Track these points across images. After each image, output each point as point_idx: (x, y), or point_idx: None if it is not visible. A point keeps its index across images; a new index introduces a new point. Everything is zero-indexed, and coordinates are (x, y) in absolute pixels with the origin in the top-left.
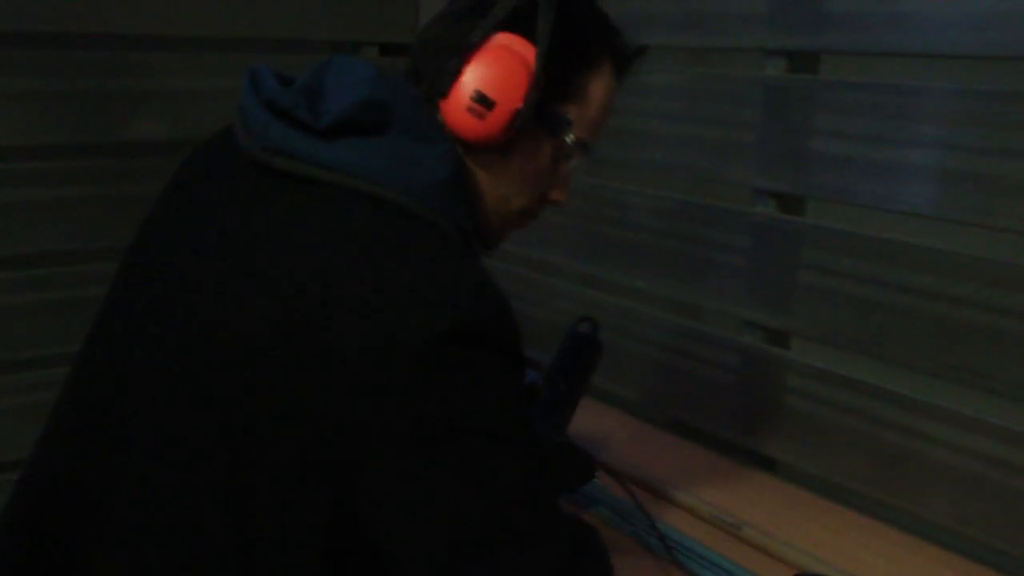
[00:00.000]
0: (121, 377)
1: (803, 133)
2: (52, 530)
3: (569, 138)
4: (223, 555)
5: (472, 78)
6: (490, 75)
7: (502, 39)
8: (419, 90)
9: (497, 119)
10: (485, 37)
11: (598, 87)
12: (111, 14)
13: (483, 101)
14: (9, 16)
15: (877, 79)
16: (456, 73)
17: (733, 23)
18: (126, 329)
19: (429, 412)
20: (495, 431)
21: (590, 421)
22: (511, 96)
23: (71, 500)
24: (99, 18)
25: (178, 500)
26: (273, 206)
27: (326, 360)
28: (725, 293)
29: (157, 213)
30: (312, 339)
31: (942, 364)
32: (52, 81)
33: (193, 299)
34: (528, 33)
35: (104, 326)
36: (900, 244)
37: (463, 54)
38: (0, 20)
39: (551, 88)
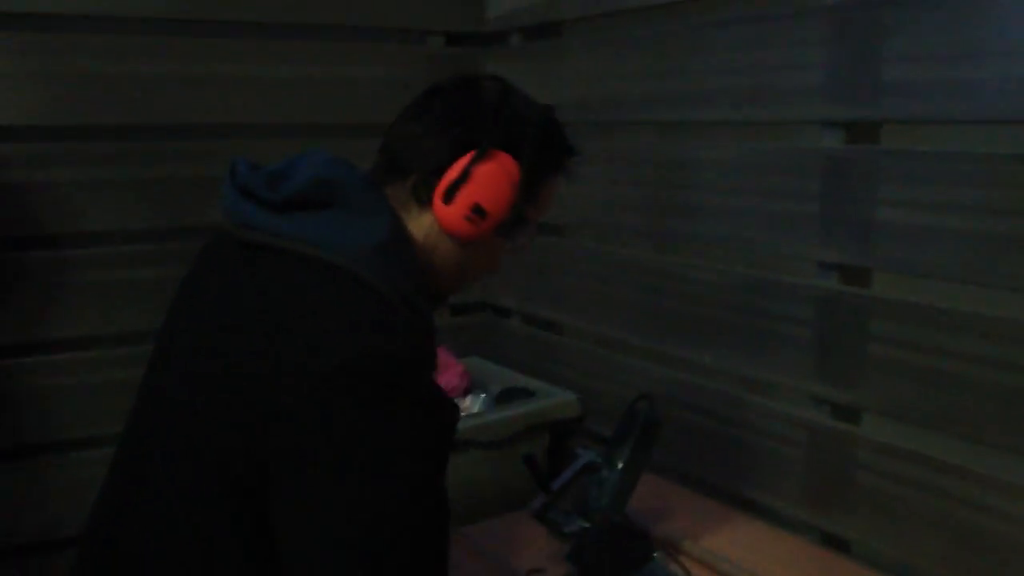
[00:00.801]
0: (140, 433)
1: (865, 203)
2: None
3: (515, 241)
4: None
5: (472, 192)
6: (487, 191)
7: (498, 158)
8: (374, 173)
9: (488, 225)
10: (483, 157)
11: (553, 187)
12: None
13: (479, 212)
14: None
15: (939, 147)
16: (456, 188)
17: (790, 95)
18: (147, 395)
19: (315, 436)
20: (363, 464)
21: (654, 497)
22: (500, 208)
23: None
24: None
25: (182, 522)
26: (241, 270)
27: (255, 382)
28: (791, 368)
29: (178, 293)
30: (249, 367)
31: (1014, 437)
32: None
33: (180, 358)
34: (514, 149)
35: (138, 397)
36: (968, 314)
37: (463, 171)
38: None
39: (523, 195)
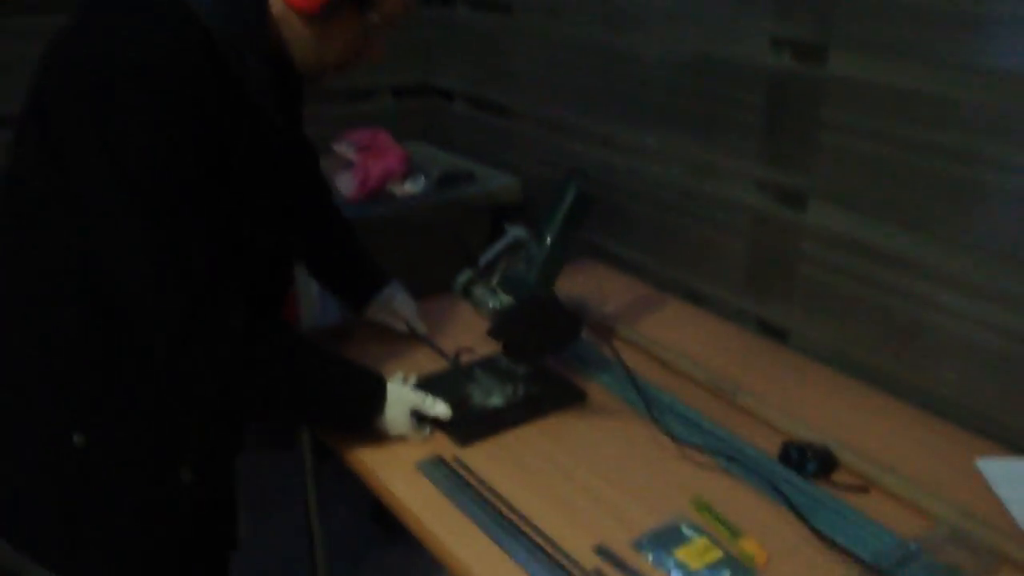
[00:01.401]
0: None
1: None
2: None
3: (375, 17)
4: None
5: None
6: None
7: None
8: None
9: None
10: None
11: None
12: None
13: None
14: None
15: None
16: None
17: None
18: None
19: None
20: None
21: (590, 282)
22: None
23: None
24: None
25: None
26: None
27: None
28: (738, 151)
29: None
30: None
31: (960, 229)
32: None
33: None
34: None
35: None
36: (928, 97)
37: None
38: None
39: None
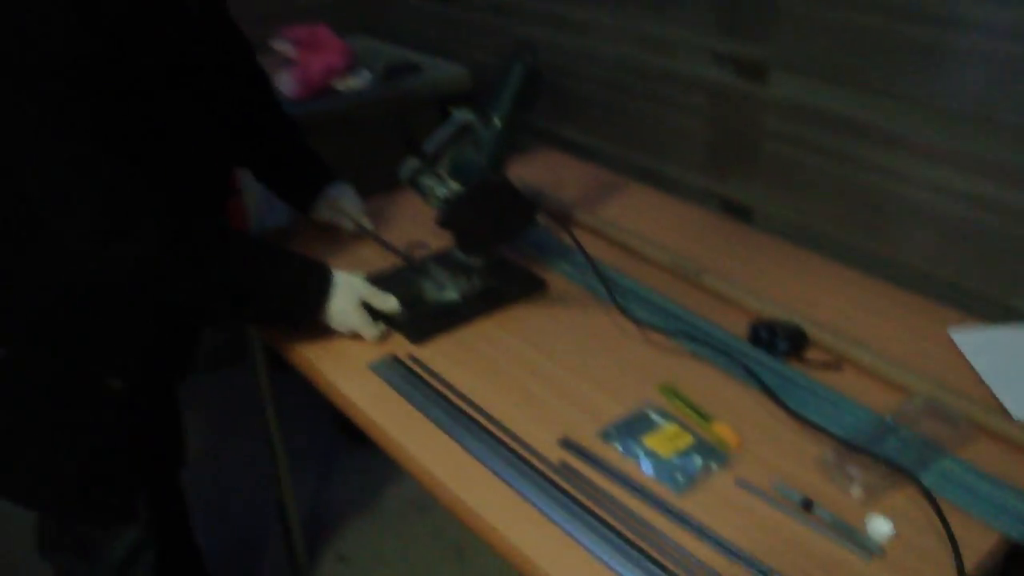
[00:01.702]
0: None
1: None
2: None
3: None
4: None
5: None
6: None
7: None
8: None
9: None
10: None
11: None
12: None
13: None
14: None
15: None
16: None
17: None
18: None
19: None
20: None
21: (545, 169)
22: None
23: None
24: None
25: None
26: None
27: None
28: (694, 24)
29: None
30: None
31: (924, 92)
32: None
33: None
34: None
35: None
36: None
37: None
38: None
39: None
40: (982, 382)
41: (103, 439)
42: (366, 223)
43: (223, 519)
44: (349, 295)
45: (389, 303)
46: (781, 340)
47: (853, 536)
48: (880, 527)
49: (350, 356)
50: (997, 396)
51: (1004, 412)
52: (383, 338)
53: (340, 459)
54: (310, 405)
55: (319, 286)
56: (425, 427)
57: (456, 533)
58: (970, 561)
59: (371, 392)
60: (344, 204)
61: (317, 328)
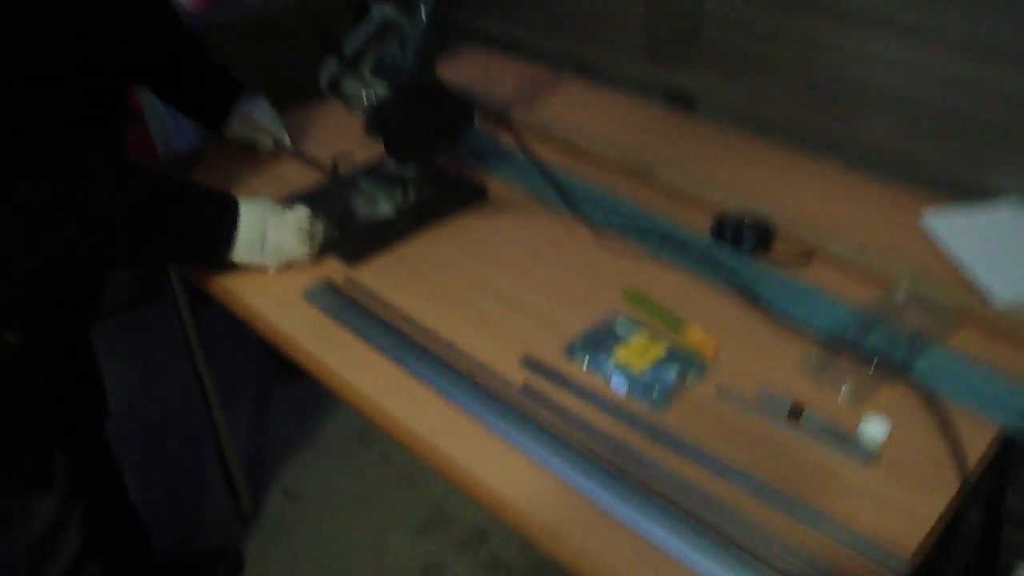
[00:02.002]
0: None
1: None
2: None
3: None
4: None
5: None
6: None
7: None
8: None
9: None
10: None
11: None
12: None
13: None
14: None
15: None
16: None
17: None
18: None
19: None
20: None
21: (477, 69)
22: None
23: None
24: None
25: None
26: None
27: None
28: None
29: None
30: None
31: None
32: None
33: None
34: None
35: None
36: None
37: None
38: None
39: None
40: (961, 266)
41: (2, 400)
42: (285, 138)
43: (159, 470)
44: (255, 225)
45: (295, 214)
46: (747, 235)
47: (847, 441)
48: (874, 430)
49: (279, 285)
50: (979, 279)
51: (988, 296)
52: (311, 261)
53: (277, 394)
54: (239, 339)
55: (223, 218)
56: (368, 355)
57: (406, 461)
58: (971, 457)
59: (306, 322)
60: (260, 118)
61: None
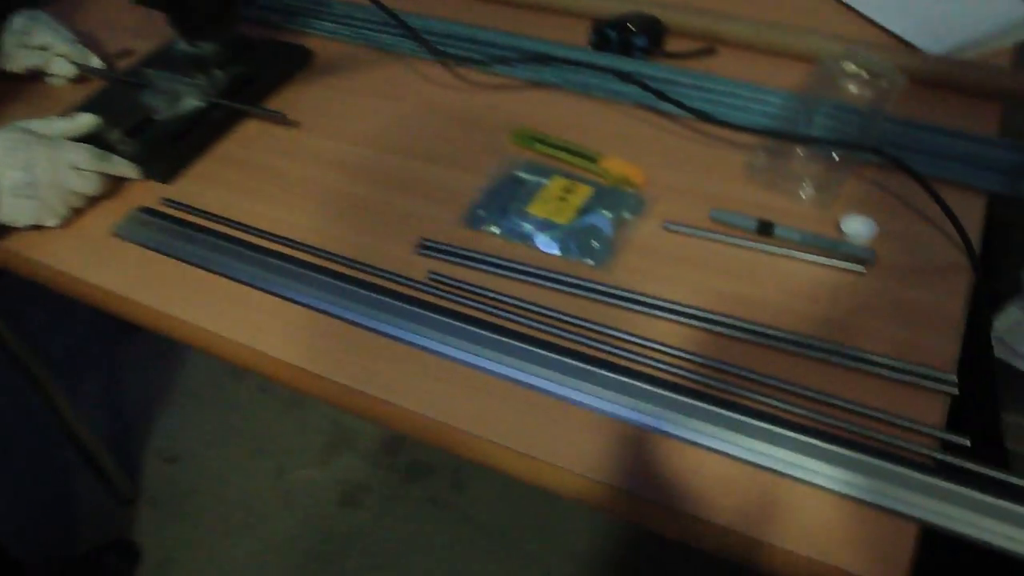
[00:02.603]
0: None
1: None
2: None
3: None
4: None
5: None
6: None
7: None
8: None
9: None
10: None
11: None
12: None
13: None
14: None
15: None
16: None
17: None
18: None
19: None
20: None
21: None
22: None
23: None
24: None
25: None
26: None
27: None
28: None
29: None
30: None
31: None
32: None
33: None
34: None
35: None
36: None
37: None
38: None
39: None
40: (878, 25)
41: None
42: (90, 59)
43: (8, 481)
44: (14, 160)
45: (60, 125)
46: (636, 36)
47: (835, 249)
48: (859, 228)
49: (77, 229)
50: (902, 36)
51: (917, 50)
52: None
53: (121, 350)
54: (51, 300)
55: None
56: (216, 286)
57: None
58: (971, 232)
59: (125, 266)
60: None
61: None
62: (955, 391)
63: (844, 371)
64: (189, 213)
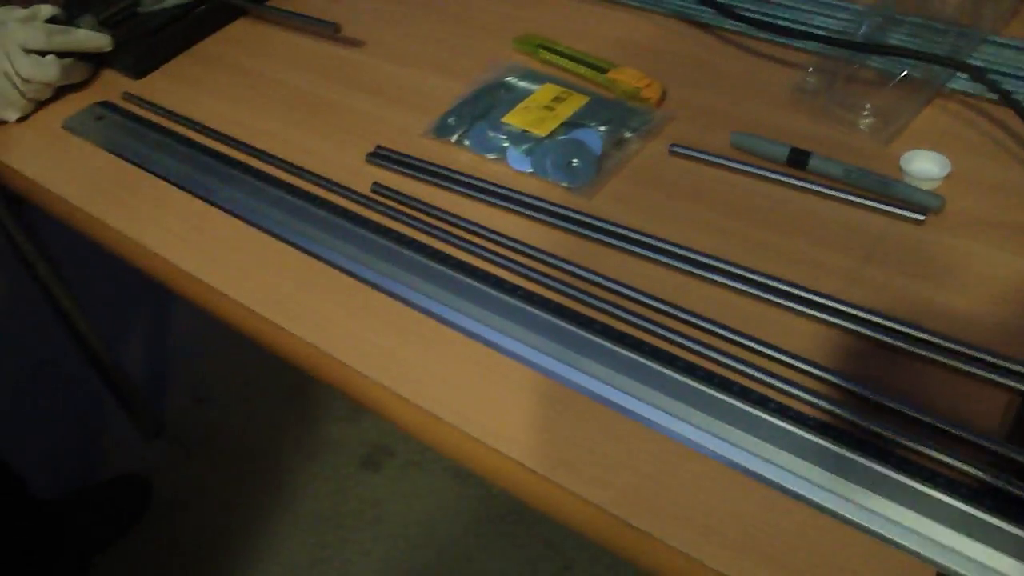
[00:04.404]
0: None
1: None
2: None
3: None
4: None
5: None
6: None
7: None
8: None
9: None
10: None
11: None
12: None
13: None
14: None
15: None
16: None
17: None
18: None
19: None
20: None
21: None
22: None
23: None
24: None
25: None
26: None
27: None
28: None
29: None
30: None
31: None
32: None
33: None
34: None
35: None
36: None
37: None
38: None
39: None
40: None
41: None
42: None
43: (43, 408)
44: None
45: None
46: None
47: (888, 189)
48: (927, 166)
49: (35, 122)
50: None
51: None
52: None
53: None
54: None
55: None
56: (151, 190)
57: None
58: None
59: (72, 164)
60: None
61: None
62: (1022, 387)
63: (870, 345)
64: (148, 110)
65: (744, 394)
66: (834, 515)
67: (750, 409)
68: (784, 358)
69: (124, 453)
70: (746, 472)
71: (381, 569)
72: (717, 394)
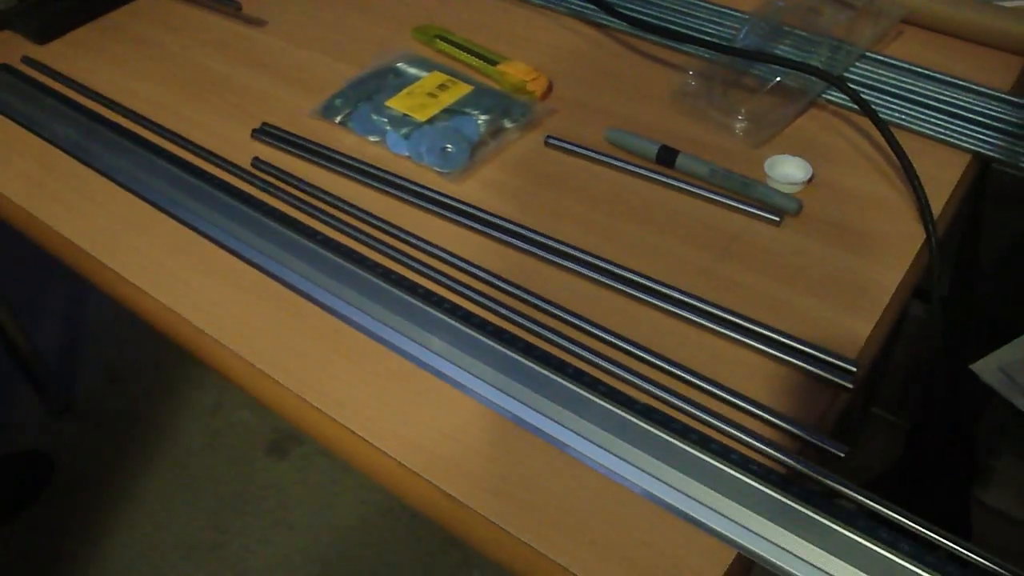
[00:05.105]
0: None
1: None
2: None
3: None
4: None
5: None
6: None
7: None
8: None
9: None
10: None
11: None
12: None
13: None
14: None
15: None
16: None
17: None
18: None
19: None
20: None
21: None
22: None
23: None
24: None
25: None
26: None
27: None
28: None
29: None
30: None
31: None
32: None
33: None
34: None
35: None
36: None
37: None
38: None
39: None
40: None
41: None
42: None
43: None
44: None
45: None
46: None
47: (749, 190)
48: (789, 171)
49: None
50: None
51: None
52: None
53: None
54: None
55: None
56: (62, 167)
57: None
58: (937, 197)
59: None
60: None
61: None
62: (849, 384)
63: (717, 339)
64: (45, 74)
65: (562, 368)
66: (632, 486)
67: (578, 389)
68: (621, 344)
69: (30, 430)
70: (559, 445)
71: (279, 554)
72: (548, 373)
